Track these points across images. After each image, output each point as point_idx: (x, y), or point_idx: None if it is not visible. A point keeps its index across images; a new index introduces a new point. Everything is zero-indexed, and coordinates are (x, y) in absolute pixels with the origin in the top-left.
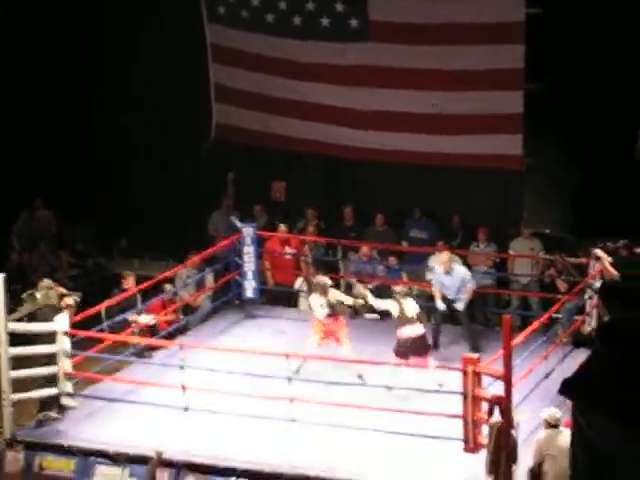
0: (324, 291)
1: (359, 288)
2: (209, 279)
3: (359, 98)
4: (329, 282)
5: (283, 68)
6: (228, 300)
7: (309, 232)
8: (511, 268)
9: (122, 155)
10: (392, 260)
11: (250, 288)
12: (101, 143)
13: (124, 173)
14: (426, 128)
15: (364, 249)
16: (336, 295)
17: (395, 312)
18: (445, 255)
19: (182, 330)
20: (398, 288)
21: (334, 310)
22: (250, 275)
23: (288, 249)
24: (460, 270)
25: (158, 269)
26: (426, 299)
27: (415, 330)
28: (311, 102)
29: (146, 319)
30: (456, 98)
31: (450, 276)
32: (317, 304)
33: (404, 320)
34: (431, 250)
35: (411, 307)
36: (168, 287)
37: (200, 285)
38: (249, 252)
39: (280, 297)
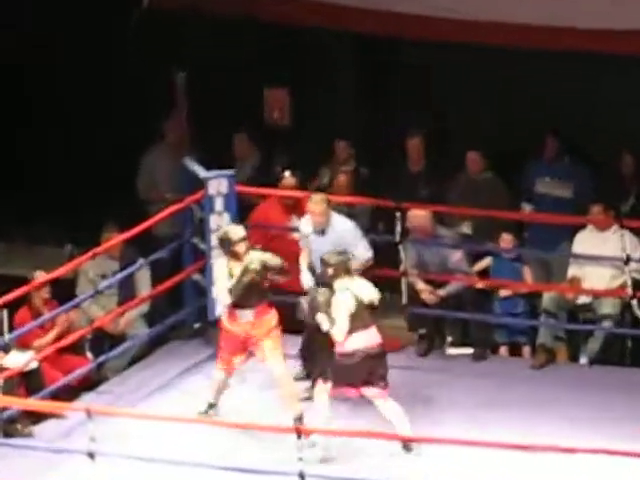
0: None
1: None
2: (142, 281)
3: None
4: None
5: None
6: (179, 323)
7: (338, 187)
8: None
9: None
10: (505, 240)
11: (221, 297)
12: None
13: None
14: None
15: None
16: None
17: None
18: None
19: (92, 381)
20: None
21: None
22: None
23: (296, 221)
24: None
25: (42, 263)
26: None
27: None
28: None
29: (19, 360)
30: None
31: None
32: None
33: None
34: (579, 221)
35: (364, 292)
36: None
37: (126, 293)
38: (219, 224)
39: (280, 314)
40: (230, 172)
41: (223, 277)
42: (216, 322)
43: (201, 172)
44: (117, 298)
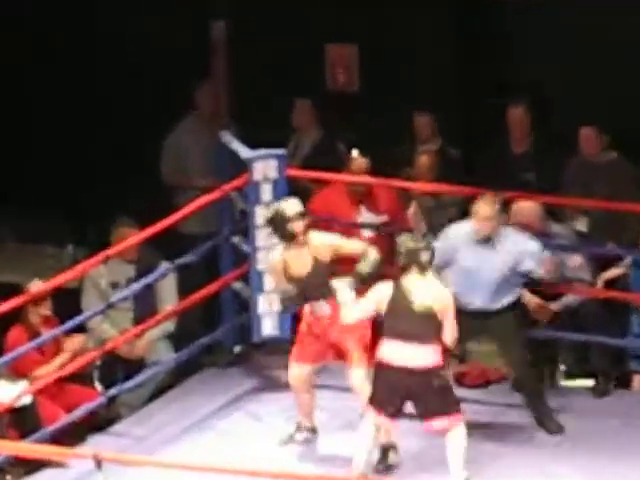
0: None
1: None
2: (167, 292)
3: None
4: None
5: None
6: (215, 345)
7: (419, 170)
8: None
9: None
10: None
11: (270, 314)
12: None
13: None
14: None
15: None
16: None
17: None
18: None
19: (101, 420)
20: None
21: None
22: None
23: (367, 215)
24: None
25: (37, 268)
26: None
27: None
28: None
29: (9, 392)
30: None
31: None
32: None
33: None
34: None
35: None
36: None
37: (145, 306)
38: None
39: None
40: (281, 152)
41: (277, 275)
42: (263, 344)
43: (244, 151)
44: (134, 313)
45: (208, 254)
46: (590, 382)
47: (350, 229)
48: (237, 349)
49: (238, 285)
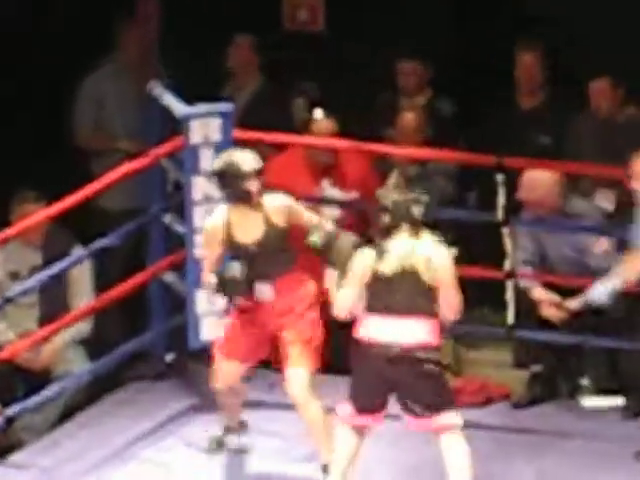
0: None
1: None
2: (80, 285)
3: None
4: None
5: None
6: (141, 353)
7: (402, 130)
8: None
9: None
10: None
11: (211, 313)
12: None
13: None
14: None
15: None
16: None
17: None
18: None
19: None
20: None
21: None
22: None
23: (330, 191)
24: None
25: None
26: None
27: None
28: None
29: None
30: None
31: None
32: None
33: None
34: None
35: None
36: None
37: (52, 303)
38: (207, 193)
39: None
40: (225, 107)
41: (214, 244)
42: (203, 352)
43: (178, 108)
44: (39, 311)
45: (133, 237)
46: (620, 400)
47: (309, 207)
48: (169, 358)
49: (170, 277)
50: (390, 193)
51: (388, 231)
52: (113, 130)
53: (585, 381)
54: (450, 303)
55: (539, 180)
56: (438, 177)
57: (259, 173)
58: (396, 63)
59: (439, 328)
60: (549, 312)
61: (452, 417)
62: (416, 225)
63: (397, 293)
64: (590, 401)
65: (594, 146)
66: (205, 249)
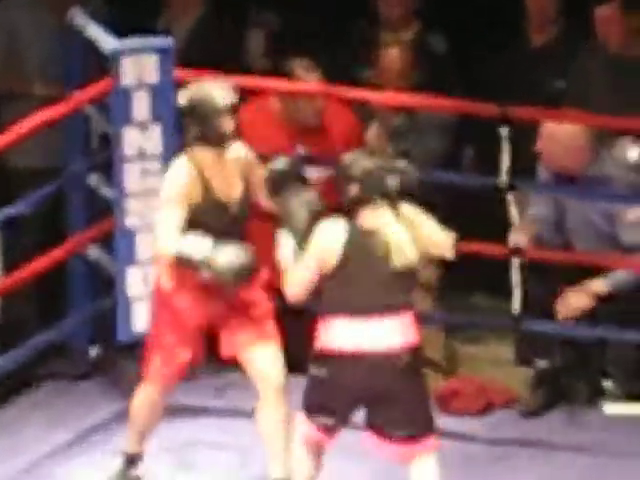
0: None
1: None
2: None
3: None
4: None
5: None
6: (59, 346)
7: (386, 71)
8: None
9: None
10: None
11: (146, 297)
12: None
13: None
14: None
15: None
16: None
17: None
18: None
19: None
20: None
21: None
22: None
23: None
24: None
25: None
26: None
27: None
28: None
29: None
30: None
31: None
32: None
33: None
34: None
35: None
36: None
37: None
38: (142, 147)
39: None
40: (165, 41)
41: (183, 202)
42: (134, 345)
43: (106, 41)
44: None
45: (48, 202)
46: None
47: None
48: (93, 352)
49: (94, 252)
50: (361, 158)
51: (356, 206)
52: (25, 69)
53: (609, 383)
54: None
55: (563, 129)
56: (431, 130)
57: (235, 110)
58: None
59: (416, 321)
60: (568, 298)
61: (431, 441)
62: (392, 201)
63: (367, 286)
64: (615, 408)
65: (604, 86)
66: (169, 210)
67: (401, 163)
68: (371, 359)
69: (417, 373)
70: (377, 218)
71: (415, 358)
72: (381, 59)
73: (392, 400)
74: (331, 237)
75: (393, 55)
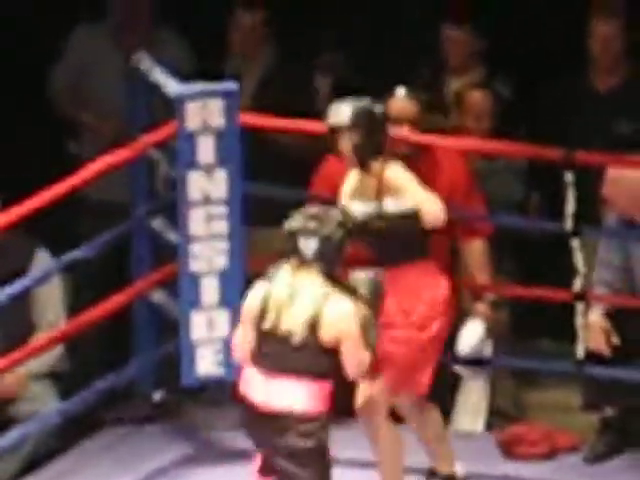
0: None
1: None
2: (48, 303)
3: None
4: None
5: None
6: (123, 390)
7: (471, 114)
8: None
9: None
10: None
11: (210, 342)
12: None
13: None
14: None
15: None
16: None
17: None
18: None
19: None
20: None
21: None
22: (207, 293)
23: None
24: None
25: None
26: None
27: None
28: None
29: None
30: None
31: None
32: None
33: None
34: None
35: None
36: None
37: (11, 327)
38: (206, 191)
39: None
40: (231, 86)
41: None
42: (199, 389)
43: (171, 85)
44: None
45: (113, 246)
46: None
47: None
48: (157, 396)
49: (159, 296)
50: (303, 214)
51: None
52: (98, 101)
53: None
54: (353, 362)
55: (628, 174)
56: (509, 176)
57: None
58: (442, 30)
59: (323, 394)
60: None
61: None
62: (304, 265)
63: (272, 346)
64: None
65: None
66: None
67: (330, 227)
68: (266, 413)
69: (303, 438)
70: (285, 283)
71: (306, 426)
72: (465, 102)
73: (278, 457)
74: (253, 297)
75: (476, 97)
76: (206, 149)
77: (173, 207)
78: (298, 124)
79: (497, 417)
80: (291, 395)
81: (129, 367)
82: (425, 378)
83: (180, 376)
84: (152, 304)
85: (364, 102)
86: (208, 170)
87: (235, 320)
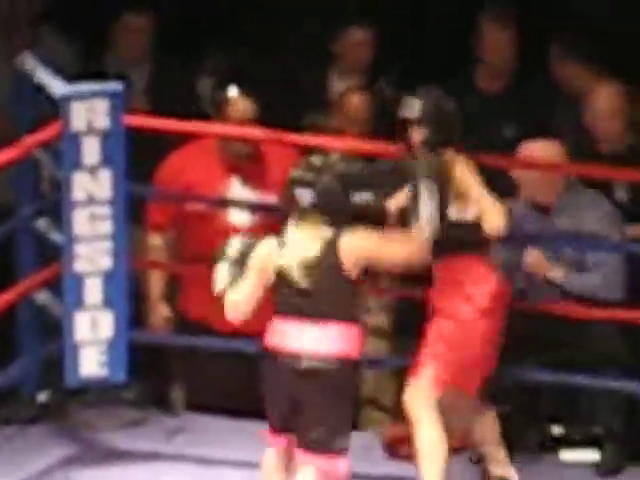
0: None
1: None
2: None
3: None
4: None
5: None
6: (6, 391)
7: (350, 115)
8: None
9: None
10: None
11: (95, 343)
12: None
13: None
14: None
15: None
16: None
17: None
18: None
19: None
20: None
21: None
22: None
23: (239, 189)
24: None
25: None
26: None
27: None
28: None
29: None
30: None
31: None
32: None
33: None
34: None
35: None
36: None
37: None
38: (91, 192)
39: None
40: (116, 86)
41: None
42: (83, 390)
43: (56, 86)
44: None
45: None
46: (594, 454)
47: (214, 209)
48: (41, 398)
49: (43, 296)
50: (306, 164)
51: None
52: None
53: (558, 429)
54: (397, 257)
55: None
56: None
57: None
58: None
59: (354, 337)
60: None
61: (326, 462)
62: (305, 214)
63: (299, 294)
64: (568, 454)
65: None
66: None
67: (326, 178)
68: (280, 359)
69: (328, 384)
70: (294, 233)
71: (330, 369)
72: (344, 104)
73: (297, 405)
74: (265, 253)
75: (357, 100)
76: (91, 150)
77: (58, 207)
78: (182, 125)
79: (385, 416)
80: (324, 340)
81: (13, 368)
82: (476, 378)
83: (65, 377)
84: (36, 304)
85: (435, 96)
86: (92, 171)
87: (119, 321)
